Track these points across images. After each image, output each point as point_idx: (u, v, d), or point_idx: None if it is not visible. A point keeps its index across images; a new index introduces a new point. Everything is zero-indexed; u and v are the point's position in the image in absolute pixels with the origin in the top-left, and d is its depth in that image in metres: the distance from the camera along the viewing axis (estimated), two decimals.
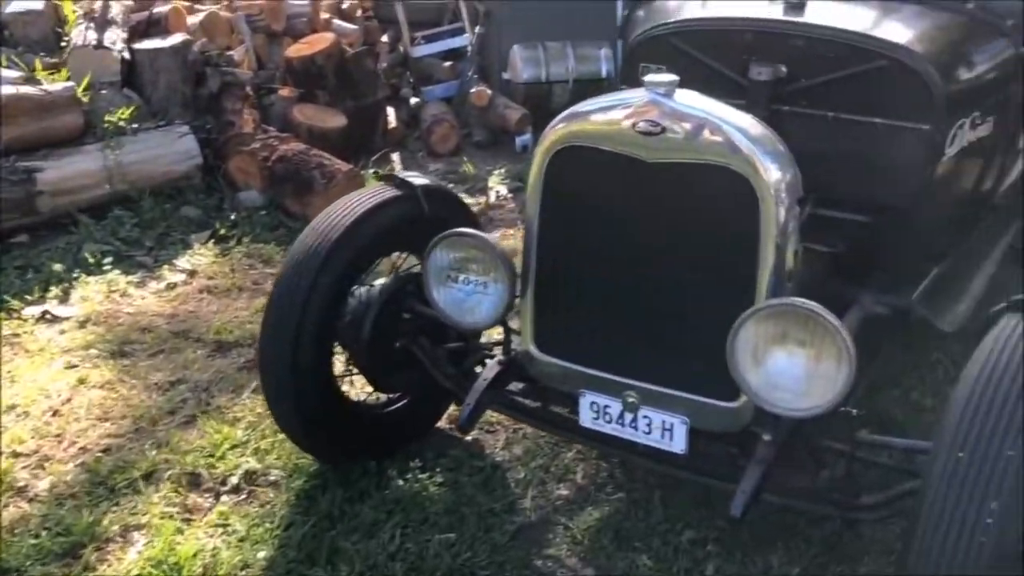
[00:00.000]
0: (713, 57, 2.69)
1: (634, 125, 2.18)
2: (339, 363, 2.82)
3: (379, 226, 2.69)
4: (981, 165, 2.84)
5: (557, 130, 2.34)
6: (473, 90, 6.33)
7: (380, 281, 2.78)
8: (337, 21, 6.74)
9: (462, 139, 6.26)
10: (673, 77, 2.18)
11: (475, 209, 5.38)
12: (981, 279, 3.10)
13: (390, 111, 6.42)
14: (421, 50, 6.97)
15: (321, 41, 5.85)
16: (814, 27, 2.58)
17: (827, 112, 2.58)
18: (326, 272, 2.58)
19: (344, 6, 7.06)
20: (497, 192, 5.54)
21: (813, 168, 2.36)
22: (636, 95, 2.23)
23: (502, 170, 5.82)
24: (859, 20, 2.63)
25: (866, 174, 2.61)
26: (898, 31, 2.59)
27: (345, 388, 2.87)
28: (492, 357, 2.66)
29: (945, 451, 1.76)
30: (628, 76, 2.88)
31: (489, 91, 6.30)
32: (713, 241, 2.20)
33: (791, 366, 2.05)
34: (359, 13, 7.12)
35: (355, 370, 2.83)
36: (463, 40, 6.92)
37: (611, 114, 2.26)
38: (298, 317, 2.56)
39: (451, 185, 5.71)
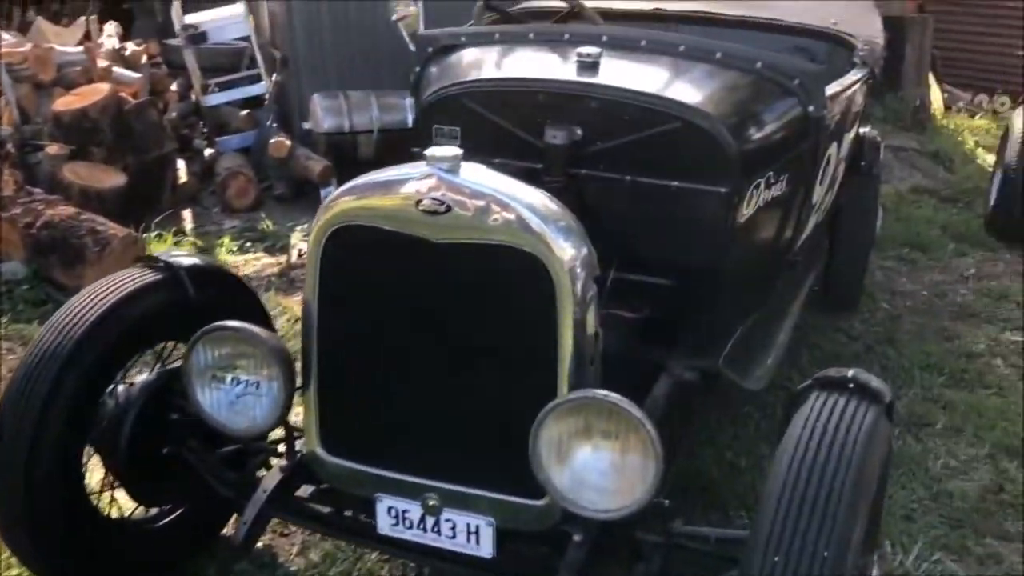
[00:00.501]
0: (507, 119, 2.55)
1: (418, 203, 1.98)
2: (98, 474, 2.43)
3: (136, 316, 2.34)
4: (778, 223, 2.85)
5: (334, 207, 2.09)
6: (272, 140, 5.95)
7: (143, 377, 2.43)
8: (118, 69, 6.20)
9: (261, 193, 5.89)
10: (457, 151, 1.99)
11: (276, 269, 5.05)
12: (785, 332, 3.13)
13: (181, 165, 5.96)
14: (215, 98, 6.52)
15: (95, 92, 5.34)
16: (606, 88, 2.48)
17: (625, 175, 2.49)
18: (69, 373, 2.21)
19: (127, 53, 6.53)
20: (300, 250, 5.19)
21: (614, 232, 2.26)
22: (419, 170, 2.02)
23: (305, 225, 5.48)
24: (651, 81, 2.55)
25: (667, 237, 2.54)
26: (689, 92, 2.53)
27: (107, 502, 2.47)
28: (279, 456, 2.38)
29: (760, 552, 1.69)
30: (421, 137, 2.68)
31: (289, 141, 5.95)
32: (508, 326, 2.02)
33: (597, 460, 1.91)
34: (144, 60, 6.60)
35: (116, 482, 2.44)
36: (260, 88, 6.55)
37: (393, 190, 2.04)
38: (33, 428, 2.17)
39: (249, 244, 5.36)
